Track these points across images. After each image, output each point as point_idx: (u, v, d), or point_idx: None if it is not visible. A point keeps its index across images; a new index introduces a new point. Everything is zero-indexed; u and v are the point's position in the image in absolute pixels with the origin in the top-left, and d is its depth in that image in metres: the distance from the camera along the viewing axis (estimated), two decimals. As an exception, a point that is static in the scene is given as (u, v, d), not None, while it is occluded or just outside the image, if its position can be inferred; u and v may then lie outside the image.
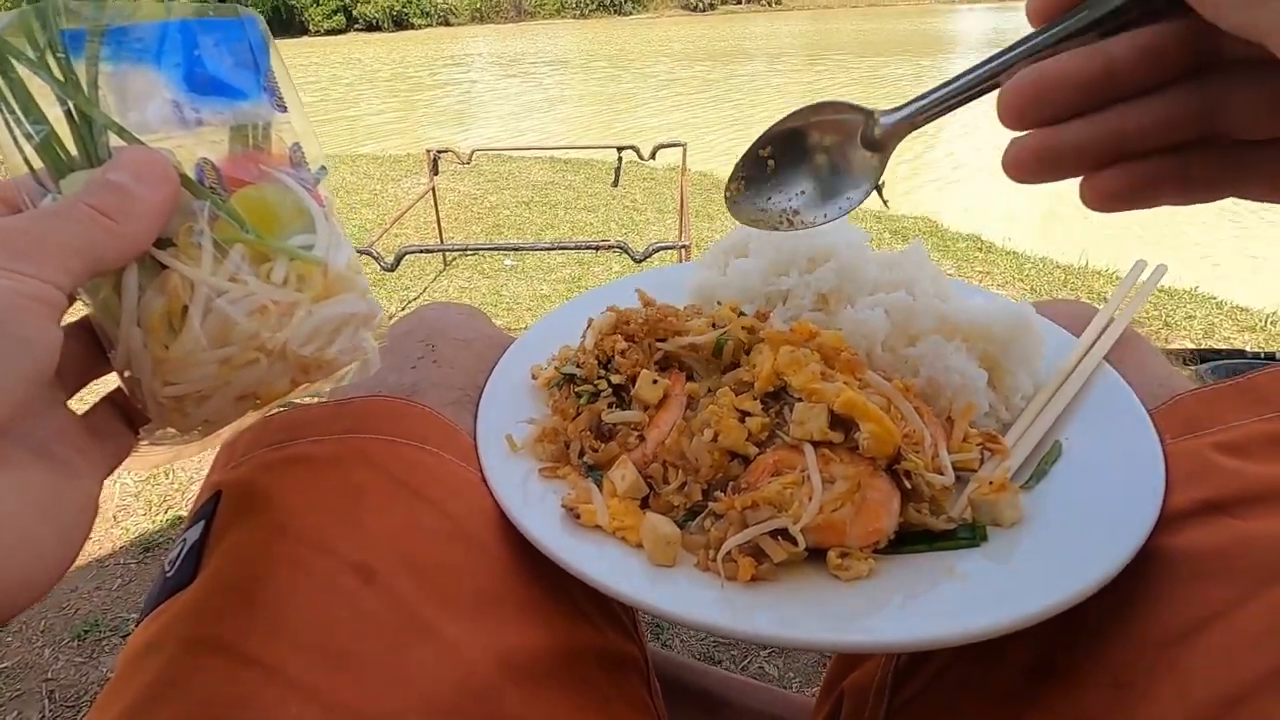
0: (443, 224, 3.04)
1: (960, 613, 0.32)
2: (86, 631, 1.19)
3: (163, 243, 0.27)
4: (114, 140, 0.27)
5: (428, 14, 28.23)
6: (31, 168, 0.27)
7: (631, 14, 30.61)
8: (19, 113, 0.26)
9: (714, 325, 0.46)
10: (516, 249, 2.89)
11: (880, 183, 0.37)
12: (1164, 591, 0.32)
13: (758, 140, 0.39)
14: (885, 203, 0.39)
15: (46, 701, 1.09)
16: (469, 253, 3.07)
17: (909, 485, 0.38)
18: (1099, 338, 0.48)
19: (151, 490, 1.52)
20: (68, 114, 0.27)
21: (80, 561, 1.33)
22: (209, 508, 0.37)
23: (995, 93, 0.25)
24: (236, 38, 0.30)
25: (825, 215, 0.37)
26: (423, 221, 3.43)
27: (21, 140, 0.27)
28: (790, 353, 0.41)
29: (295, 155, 0.32)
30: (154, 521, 1.45)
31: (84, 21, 0.27)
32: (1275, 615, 0.29)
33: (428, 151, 2.80)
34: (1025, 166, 0.24)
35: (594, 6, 31.00)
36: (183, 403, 0.29)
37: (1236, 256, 3.18)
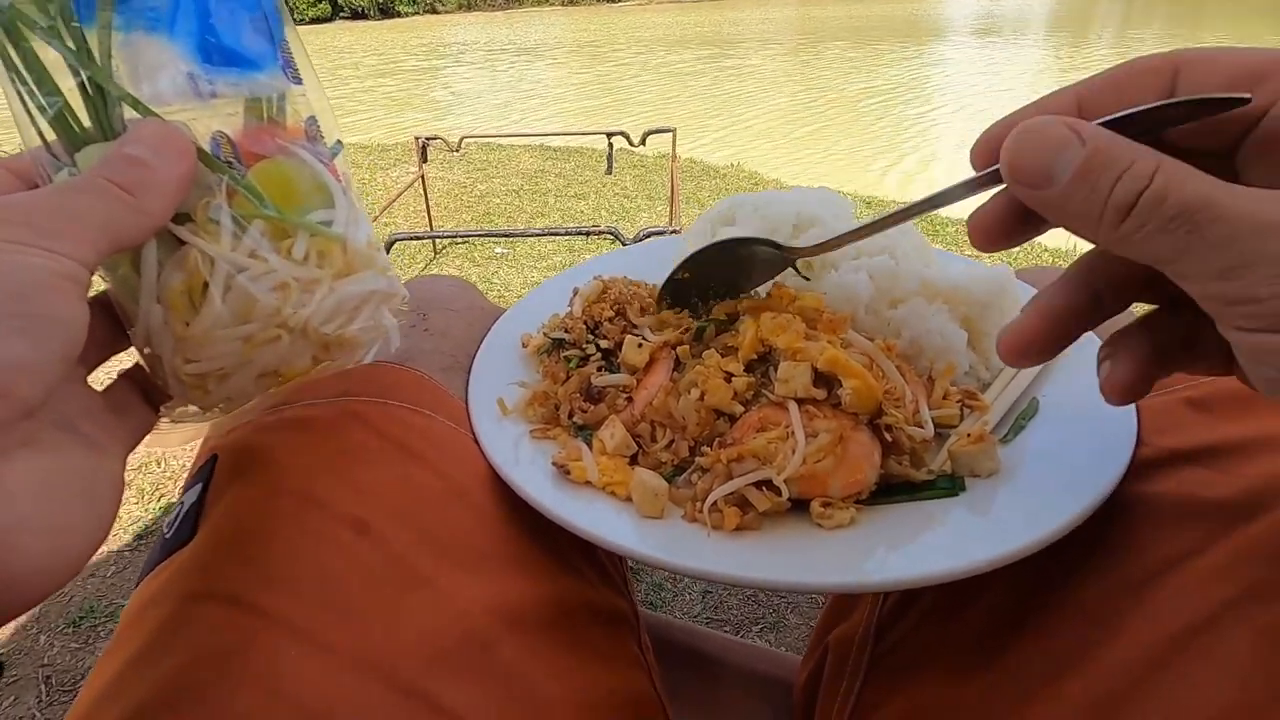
0: (432, 212, 3.02)
1: (940, 554, 0.33)
2: (81, 618, 1.20)
3: (180, 218, 0.27)
4: (128, 112, 0.27)
5: (414, 1, 27.85)
6: (45, 140, 0.26)
7: (620, 0, 30.32)
8: (32, 84, 0.25)
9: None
10: (507, 235, 2.87)
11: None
12: (1135, 536, 0.34)
13: (679, 265, 0.46)
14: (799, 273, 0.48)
15: (43, 687, 1.09)
16: (459, 240, 3.05)
17: (890, 439, 0.39)
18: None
19: (144, 478, 1.52)
20: (81, 85, 0.26)
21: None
22: (206, 470, 0.38)
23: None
24: (251, 7, 0.29)
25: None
26: (412, 210, 3.41)
27: (35, 112, 0.26)
28: (773, 318, 0.42)
29: (311, 129, 0.31)
30: (146, 509, 1.45)
31: None
32: (1239, 552, 0.30)
33: (416, 139, 2.77)
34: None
35: (582, -7, 30.66)
36: (204, 380, 0.29)
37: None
